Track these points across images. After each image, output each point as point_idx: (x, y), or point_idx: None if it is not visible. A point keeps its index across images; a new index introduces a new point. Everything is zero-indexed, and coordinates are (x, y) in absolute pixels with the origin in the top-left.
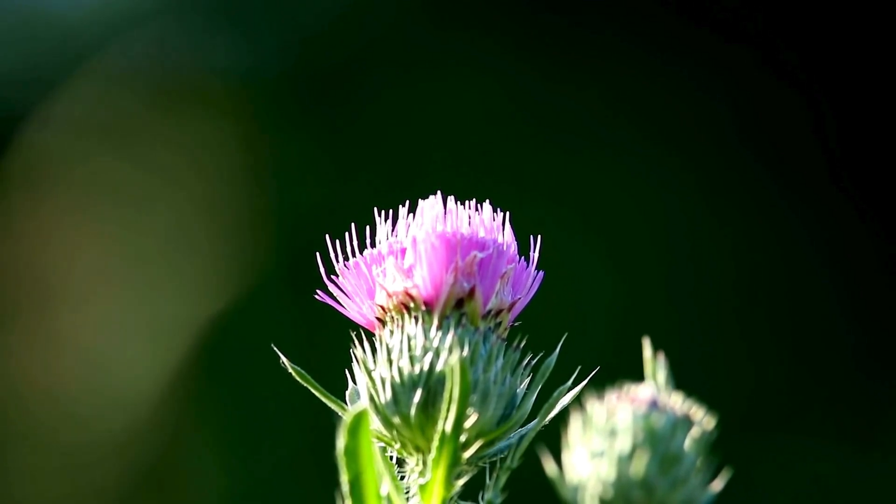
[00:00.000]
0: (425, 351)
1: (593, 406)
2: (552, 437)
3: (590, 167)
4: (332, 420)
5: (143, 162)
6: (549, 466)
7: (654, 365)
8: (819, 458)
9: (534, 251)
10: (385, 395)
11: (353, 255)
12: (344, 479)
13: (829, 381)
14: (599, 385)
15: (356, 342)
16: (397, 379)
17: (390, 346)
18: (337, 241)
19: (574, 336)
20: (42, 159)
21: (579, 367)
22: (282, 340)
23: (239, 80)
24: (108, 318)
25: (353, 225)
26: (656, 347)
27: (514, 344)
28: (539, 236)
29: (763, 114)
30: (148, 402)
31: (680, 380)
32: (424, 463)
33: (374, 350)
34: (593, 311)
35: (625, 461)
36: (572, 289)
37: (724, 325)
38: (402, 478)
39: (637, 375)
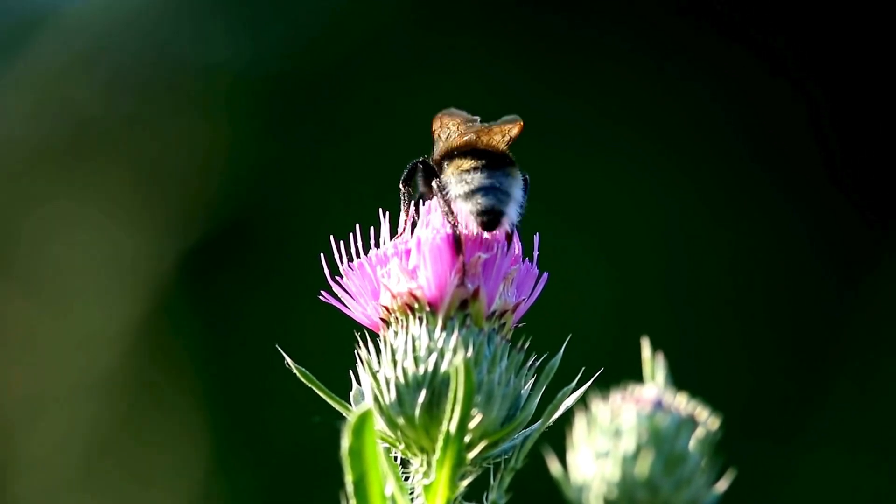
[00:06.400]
0: (430, 352)
1: (598, 406)
2: (557, 438)
3: (587, 169)
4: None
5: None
6: (554, 467)
7: (653, 365)
8: (820, 458)
9: (535, 251)
10: (389, 396)
11: (358, 256)
12: (348, 479)
13: (830, 380)
14: (603, 386)
15: (360, 343)
16: (402, 380)
17: (395, 347)
18: (341, 242)
19: (578, 337)
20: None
21: (583, 368)
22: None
23: (225, 78)
24: (70, 259)
25: (357, 225)
26: (655, 347)
27: (519, 345)
28: (537, 236)
29: (759, 111)
30: (119, 343)
31: (678, 380)
32: (429, 463)
33: (378, 351)
34: (595, 312)
35: (629, 461)
36: (575, 290)
37: (723, 325)
38: (407, 478)
39: (640, 376)
